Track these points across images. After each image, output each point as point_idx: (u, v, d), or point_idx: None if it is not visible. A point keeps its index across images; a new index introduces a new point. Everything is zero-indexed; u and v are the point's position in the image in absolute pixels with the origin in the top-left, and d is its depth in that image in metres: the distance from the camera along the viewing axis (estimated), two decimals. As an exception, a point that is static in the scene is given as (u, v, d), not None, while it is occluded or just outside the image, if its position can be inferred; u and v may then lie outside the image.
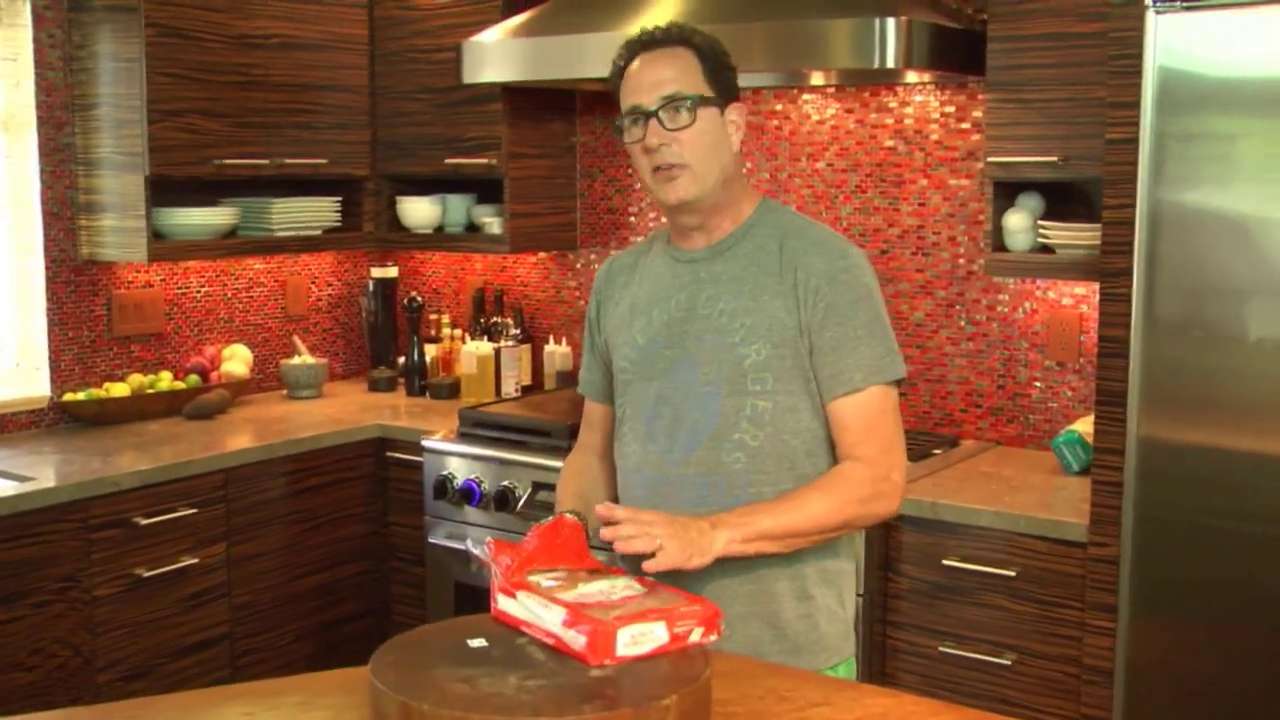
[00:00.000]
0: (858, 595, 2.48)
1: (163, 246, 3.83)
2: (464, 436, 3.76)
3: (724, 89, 2.21)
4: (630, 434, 2.26)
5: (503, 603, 1.93)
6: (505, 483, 3.61)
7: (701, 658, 1.79)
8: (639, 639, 1.79)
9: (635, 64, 2.21)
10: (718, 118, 2.19)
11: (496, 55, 3.82)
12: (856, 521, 2.18)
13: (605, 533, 1.96)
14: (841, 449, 2.17)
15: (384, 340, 4.61)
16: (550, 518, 2.10)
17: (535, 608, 1.86)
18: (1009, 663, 3.01)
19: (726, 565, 2.08)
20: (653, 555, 1.97)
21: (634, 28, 3.45)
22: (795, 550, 2.14)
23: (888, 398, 2.17)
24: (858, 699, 1.89)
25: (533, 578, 1.93)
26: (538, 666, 1.76)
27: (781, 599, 2.18)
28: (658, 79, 2.16)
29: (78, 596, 3.26)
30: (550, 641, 1.82)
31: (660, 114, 2.14)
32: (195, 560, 3.51)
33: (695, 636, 1.83)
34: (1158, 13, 2.64)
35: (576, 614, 1.79)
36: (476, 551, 2.08)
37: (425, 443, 3.79)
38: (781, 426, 2.16)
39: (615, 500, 2.38)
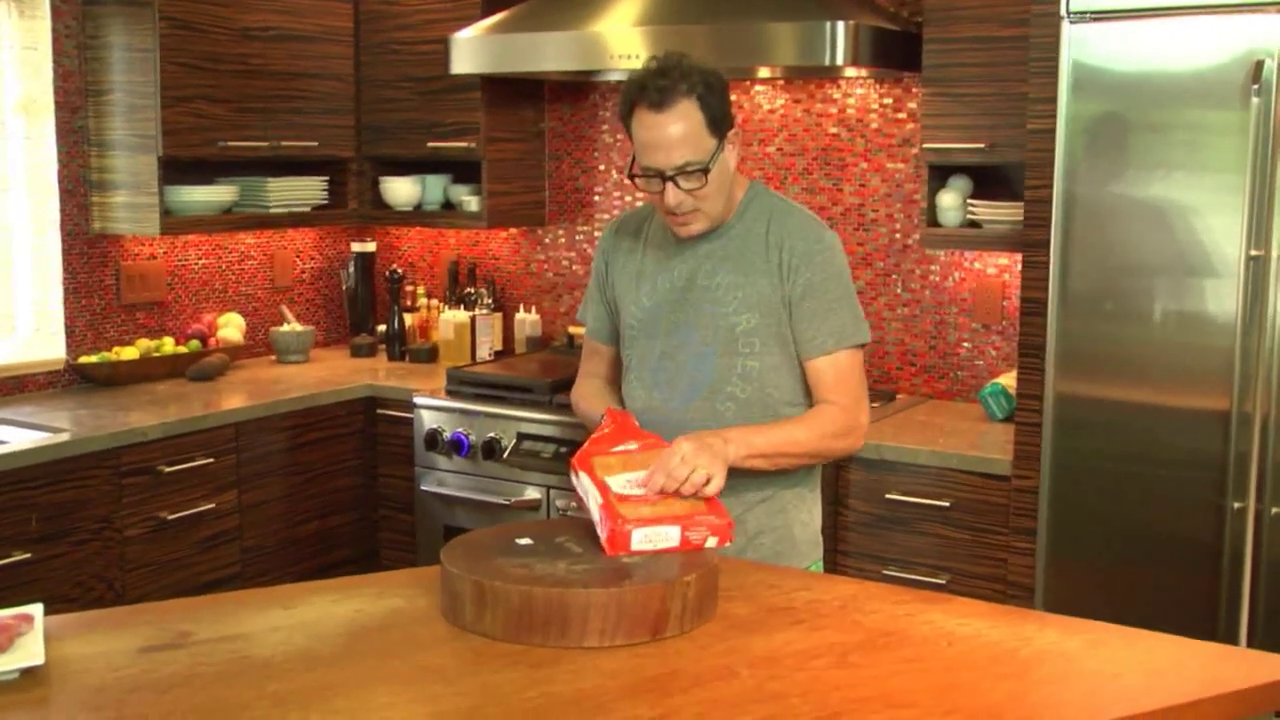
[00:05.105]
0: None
1: (171, 221, 4.18)
2: (451, 394, 4.16)
3: (724, 127, 2.49)
4: (637, 381, 2.67)
5: (574, 476, 2.36)
6: (491, 434, 4.01)
7: (709, 554, 2.20)
8: (653, 539, 2.20)
9: (644, 116, 2.43)
10: (722, 157, 2.49)
11: (477, 49, 4.20)
12: (829, 451, 2.60)
13: (668, 485, 2.27)
14: (817, 396, 2.59)
15: (363, 310, 4.98)
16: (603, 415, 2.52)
17: (587, 488, 2.28)
18: (944, 582, 3.46)
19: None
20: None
21: (598, 26, 3.92)
22: (769, 478, 2.56)
23: (854, 358, 2.60)
24: (831, 585, 2.33)
25: (599, 459, 2.34)
26: (578, 556, 2.17)
27: (760, 517, 2.60)
28: (669, 142, 2.42)
29: (111, 536, 3.62)
30: (595, 518, 2.23)
31: (676, 178, 2.46)
32: (211, 506, 3.87)
33: (710, 543, 2.23)
34: (1071, 22, 3.10)
35: (608, 508, 2.20)
36: (574, 480, 2.41)
37: (417, 399, 4.18)
38: (766, 382, 2.58)
39: None
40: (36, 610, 2.01)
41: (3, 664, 1.85)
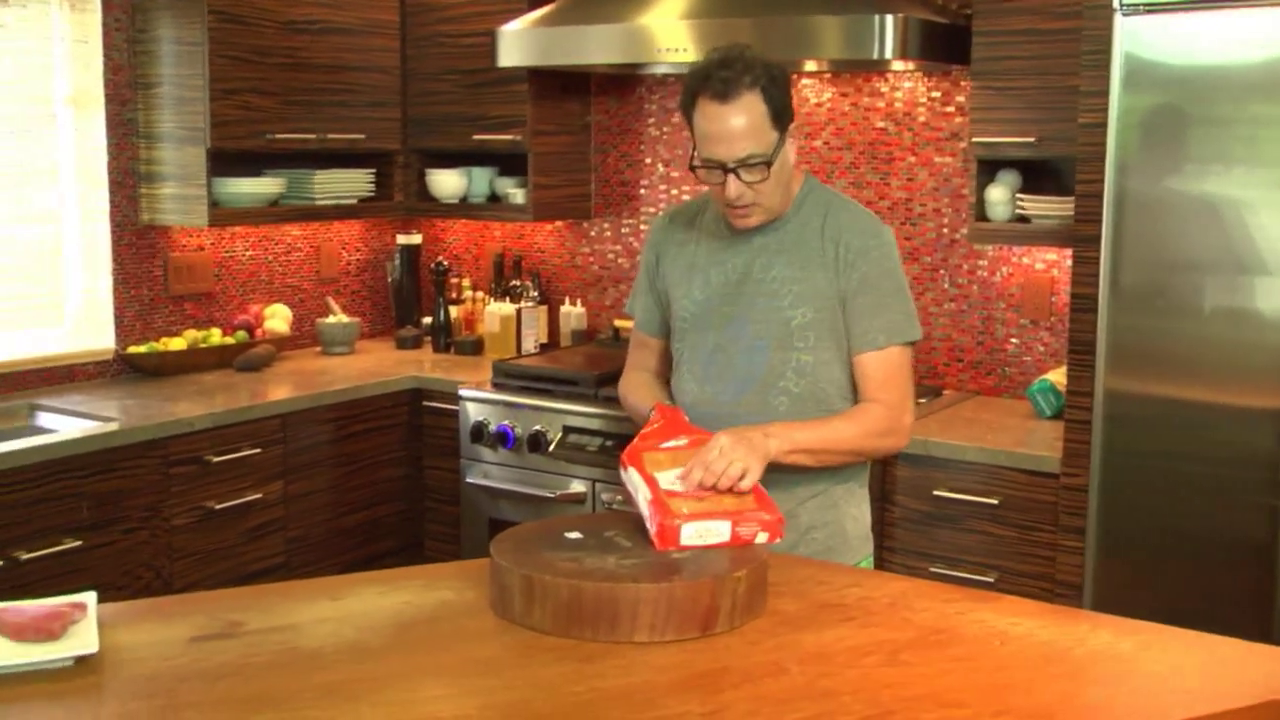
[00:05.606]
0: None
1: (220, 213, 4.20)
2: (497, 386, 4.16)
3: (785, 120, 2.47)
4: (688, 374, 2.65)
5: (623, 471, 2.34)
6: (537, 427, 4.01)
7: (758, 550, 2.19)
8: (703, 534, 2.19)
9: (707, 107, 2.41)
10: (783, 150, 2.48)
11: (524, 42, 4.20)
12: (872, 450, 2.60)
13: (705, 479, 2.26)
14: (863, 393, 2.58)
15: (409, 302, 4.99)
16: (652, 410, 2.50)
17: (637, 483, 2.26)
18: (992, 580, 3.43)
19: (768, 484, 2.45)
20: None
21: (645, 19, 3.91)
22: (820, 473, 2.55)
23: (904, 355, 2.59)
24: (882, 582, 2.31)
25: (648, 455, 2.32)
26: (628, 551, 2.16)
27: (812, 512, 2.59)
28: (732, 134, 2.40)
29: (159, 525, 3.64)
30: (644, 513, 2.22)
31: (739, 170, 2.44)
32: (258, 496, 3.89)
33: (760, 539, 2.21)
34: (1124, 15, 3.06)
35: (658, 503, 2.19)
36: (624, 475, 2.39)
37: (462, 392, 4.19)
38: (819, 376, 2.56)
39: None
40: (90, 598, 2.02)
41: (57, 651, 1.87)
